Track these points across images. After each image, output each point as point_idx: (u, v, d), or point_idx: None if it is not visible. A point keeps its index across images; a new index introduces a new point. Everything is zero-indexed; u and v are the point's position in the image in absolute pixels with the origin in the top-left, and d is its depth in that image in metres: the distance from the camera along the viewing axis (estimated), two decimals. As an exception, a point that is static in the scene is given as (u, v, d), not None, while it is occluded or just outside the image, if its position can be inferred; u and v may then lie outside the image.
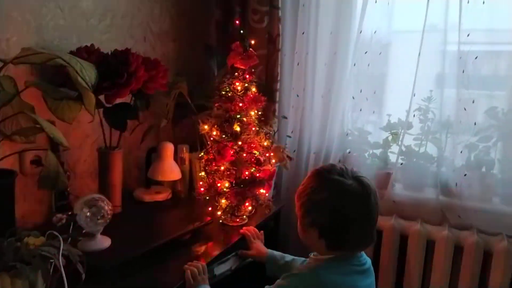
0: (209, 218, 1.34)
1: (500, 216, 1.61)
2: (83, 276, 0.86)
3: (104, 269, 1.00)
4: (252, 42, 1.31)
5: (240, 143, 1.28)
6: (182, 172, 1.59)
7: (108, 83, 1.10)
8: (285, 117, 1.75)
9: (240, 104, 1.28)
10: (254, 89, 1.32)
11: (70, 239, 1.05)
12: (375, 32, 1.69)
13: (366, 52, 1.71)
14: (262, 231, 1.35)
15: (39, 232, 0.89)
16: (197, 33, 1.93)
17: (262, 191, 1.32)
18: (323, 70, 1.80)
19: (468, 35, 1.53)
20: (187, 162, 1.62)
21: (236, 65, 1.29)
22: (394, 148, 1.83)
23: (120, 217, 1.35)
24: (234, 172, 1.28)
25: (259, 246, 1.29)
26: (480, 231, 1.62)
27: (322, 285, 0.94)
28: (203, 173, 1.36)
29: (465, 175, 1.63)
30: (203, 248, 1.23)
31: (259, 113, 1.33)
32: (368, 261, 1.03)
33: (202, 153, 1.35)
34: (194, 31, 1.92)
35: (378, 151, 1.87)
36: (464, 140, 1.65)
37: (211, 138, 1.31)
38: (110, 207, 1.10)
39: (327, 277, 0.95)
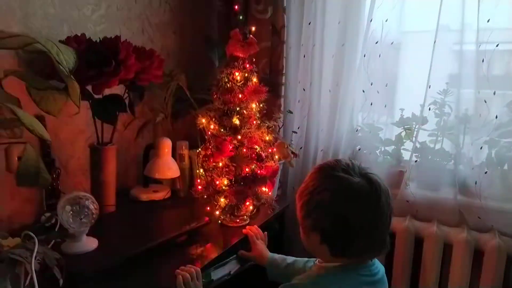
0: (207, 219, 1.25)
1: (524, 217, 1.48)
2: (61, 282, 0.77)
3: (86, 274, 0.91)
4: (253, 28, 1.21)
5: (239, 137, 1.18)
6: (182, 169, 1.50)
7: (95, 71, 1.02)
8: (291, 112, 1.65)
9: (240, 96, 1.19)
10: (255, 80, 1.22)
11: (53, 241, 0.98)
12: (386, 20, 1.58)
13: (377, 42, 1.60)
14: (266, 232, 1.25)
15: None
16: (198, 25, 1.85)
17: (264, 189, 1.23)
18: (331, 62, 1.70)
19: (488, 21, 1.41)
20: (186, 160, 1.54)
21: (235, 54, 1.20)
22: (408, 145, 1.72)
23: (113, 217, 1.27)
24: (233, 169, 1.18)
25: (261, 248, 1.19)
26: (501, 233, 1.49)
27: None
28: (201, 170, 1.27)
29: (485, 172, 1.50)
30: (199, 251, 1.13)
31: (261, 105, 1.23)
32: (381, 270, 0.91)
33: (199, 149, 1.26)
34: (195, 23, 1.84)
35: (390, 148, 1.76)
36: (484, 135, 1.53)
37: (209, 132, 1.22)
38: (95, 206, 1.01)
39: None
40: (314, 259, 1.12)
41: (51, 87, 0.98)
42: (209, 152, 1.21)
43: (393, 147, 1.75)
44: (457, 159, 1.58)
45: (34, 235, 0.78)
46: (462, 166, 1.59)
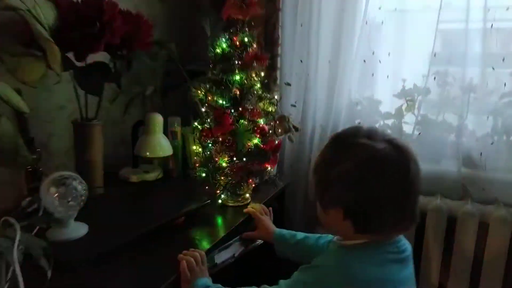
0: (206, 199, 1.15)
1: (530, 188, 1.45)
2: (49, 273, 0.67)
3: (77, 263, 0.81)
4: (252, -14, 1.10)
5: (240, 109, 1.08)
6: (174, 148, 1.39)
7: (77, 34, 0.89)
8: (289, 84, 1.55)
9: (239, 63, 1.08)
10: (255, 46, 1.11)
11: (37, 227, 0.87)
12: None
13: (380, 8, 1.51)
14: (270, 208, 1.17)
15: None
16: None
17: (267, 165, 1.13)
18: (329, 31, 1.59)
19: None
20: (179, 137, 1.43)
21: (233, 16, 1.08)
22: (408, 118, 1.65)
23: (102, 200, 1.16)
24: (234, 144, 1.08)
25: (267, 223, 1.11)
26: (506, 204, 1.45)
27: (351, 280, 0.74)
28: (197, 147, 1.16)
29: (491, 143, 1.45)
30: (200, 234, 1.05)
31: (262, 74, 1.13)
32: (408, 247, 0.83)
33: (195, 123, 1.15)
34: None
35: (390, 122, 1.69)
36: (491, 104, 1.47)
37: (206, 105, 1.11)
38: (83, 187, 0.90)
39: (358, 268, 0.75)
40: (328, 235, 1.05)
41: (28, 53, 0.85)
42: (207, 126, 1.11)
43: (393, 120, 1.68)
44: (461, 131, 1.53)
45: (15, 221, 0.67)
46: (465, 138, 1.53)
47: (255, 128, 1.09)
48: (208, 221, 1.11)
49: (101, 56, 1.09)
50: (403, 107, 1.66)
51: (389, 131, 1.67)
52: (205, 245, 0.99)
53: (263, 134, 1.09)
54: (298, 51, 1.63)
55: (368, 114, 1.65)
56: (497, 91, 1.47)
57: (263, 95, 1.13)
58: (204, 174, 1.14)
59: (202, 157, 1.14)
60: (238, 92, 1.08)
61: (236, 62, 1.09)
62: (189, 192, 1.24)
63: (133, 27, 1.08)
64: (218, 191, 1.14)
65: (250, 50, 1.10)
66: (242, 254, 1.08)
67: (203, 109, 1.12)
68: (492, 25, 1.36)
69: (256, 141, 1.09)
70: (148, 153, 1.32)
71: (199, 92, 1.12)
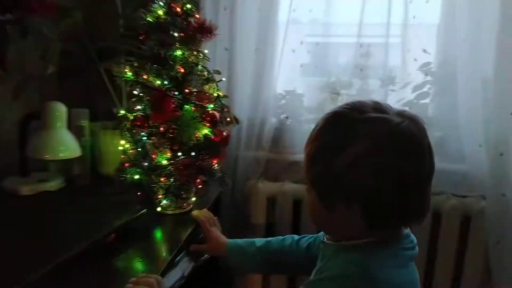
0: (141, 208, 0.89)
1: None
2: None
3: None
4: None
5: (187, 91, 0.87)
6: (81, 148, 1.09)
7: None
8: (218, 72, 1.36)
9: (181, 35, 0.87)
10: (198, 16, 0.91)
11: None
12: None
13: (307, -5, 1.44)
14: (217, 217, 0.97)
15: None
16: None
17: (215, 161, 0.94)
18: (255, 16, 1.47)
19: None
20: (87, 134, 1.12)
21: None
22: (331, 112, 1.63)
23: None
24: (177, 136, 0.86)
25: (216, 235, 0.92)
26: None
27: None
28: (126, 142, 0.90)
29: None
30: (138, 254, 0.79)
31: (206, 51, 0.94)
32: (415, 240, 0.70)
33: (122, 111, 0.89)
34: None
35: (313, 116, 1.64)
36: (406, 96, 1.53)
37: (139, 87, 0.86)
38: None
39: (385, 274, 0.61)
40: (292, 236, 0.91)
41: None
42: (140, 114, 0.86)
43: (316, 114, 1.64)
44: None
45: None
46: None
47: (204, 116, 0.88)
48: (147, 235, 0.86)
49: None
50: (327, 101, 1.63)
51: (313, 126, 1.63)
52: (150, 266, 0.75)
53: (213, 122, 0.90)
54: (223, 38, 1.46)
55: (294, 109, 1.58)
56: (411, 84, 1.53)
57: (209, 76, 0.93)
58: (137, 176, 0.89)
59: (133, 155, 0.88)
60: (183, 71, 0.86)
61: (176, 34, 0.87)
62: (112, 202, 0.96)
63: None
64: (160, 196, 0.90)
65: (193, 20, 0.89)
66: (194, 269, 0.86)
67: (135, 92, 0.86)
68: (414, 16, 1.40)
69: (206, 131, 0.88)
70: (47, 155, 0.99)
71: (127, 70, 0.87)
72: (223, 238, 0.92)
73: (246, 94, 1.51)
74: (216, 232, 0.93)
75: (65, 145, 1.02)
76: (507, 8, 1.27)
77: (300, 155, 1.57)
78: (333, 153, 0.62)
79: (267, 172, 1.55)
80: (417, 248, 0.69)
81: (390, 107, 0.66)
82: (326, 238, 0.73)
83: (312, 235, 0.89)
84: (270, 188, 1.49)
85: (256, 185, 1.49)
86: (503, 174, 1.32)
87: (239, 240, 0.92)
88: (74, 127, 1.10)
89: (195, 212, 0.92)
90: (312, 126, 1.60)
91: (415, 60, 1.45)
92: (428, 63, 1.48)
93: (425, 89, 1.53)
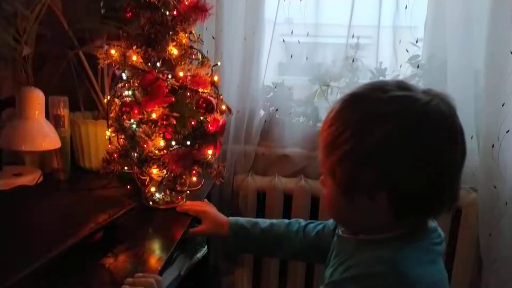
0: (129, 202, 0.82)
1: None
2: None
3: None
4: None
5: (181, 74, 0.80)
6: (61, 139, 0.99)
7: None
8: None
9: (174, 13, 0.80)
10: (191, -6, 0.85)
11: None
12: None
13: (298, -18, 1.40)
14: (205, 199, 0.91)
15: None
16: None
17: (211, 151, 0.87)
18: (244, 5, 1.41)
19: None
20: (66, 125, 1.03)
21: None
22: (320, 104, 1.59)
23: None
24: (172, 123, 0.79)
25: (215, 213, 0.88)
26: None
27: None
28: (111, 131, 0.82)
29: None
30: (129, 253, 0.72)
31: (200, 33, 0.87)
32: (442, 234, 0.65)
33: (108, 97, 0.82)
34: None
35: (303, 108, 1.60)
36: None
37: (129, 69, 0.79)
38: None
39: (415, 271, 0.55)
40: (298, 220, 0.87)
41: None
42: (129, 99, 0.79)
43: (304, 107, 1.60)
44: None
45: None
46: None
47: (200, 102, 0.82)
48: (138, 232, 0.78)
49: None
50: (317, 92, 1.59)
51: (303, 118, 1.59)
52: (141, 266, 0.68)
53: (209, 109, 0.83)
54: (209, 26, 1.40)
55: (283, 100, 1.53)
56: (401, 76, 1.52)
57: (204, 59, 0.86)
58: (126, 168, 0.81)
59: (121, 145, 0.81)
60: (176, 51, 0.79)
61: (167, 13, 0.80)
62: (96, 197, 0.88)
63: None
64: (152, 190, 0.82)
65: (185, -1, 0.83)
66: (192, 266, 0.80)
67: (123, 76, 0.79)
68: (406, 6, 1.39)
69: (201, 118, 0.82)
70: (24, 146, 0.90)
71: (113, 51, 0.79)
72: (223, 217, 0.87)
73: (234, 86, 1.46)
74: (212, 210, 0.87)
75: (44, 135, 0.92)
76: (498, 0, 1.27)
77: (289, 149, 1.53)
78: (358, 136, 0.56)
79: (256, 166, 1.50)
80: (444, 243, 0.65)
81: (415, 85, 0.61)
82: (341, 231, 0.68)
83: (320, 222, 0.85)
84: (260, 183, 1.44)
85: (246, 179, 1.44)
86: (494, 166, 1.32)
87: (241, 219, 0.88)
88: (52, 116, 1.00)
89: (178, 207, 0.86)
90: (301, 119, 1.57)
91: (407, 51, 1.43)
92: (417, 56, 1.48)
93: (413, 82, 1.53)
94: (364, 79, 1.52)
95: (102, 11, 1.03)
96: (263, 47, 1.43)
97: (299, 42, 1.45)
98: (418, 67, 1.46)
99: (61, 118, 1.01)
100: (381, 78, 1.50)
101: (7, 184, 0.90)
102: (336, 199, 0.61)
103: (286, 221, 0.88)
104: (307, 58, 1.47)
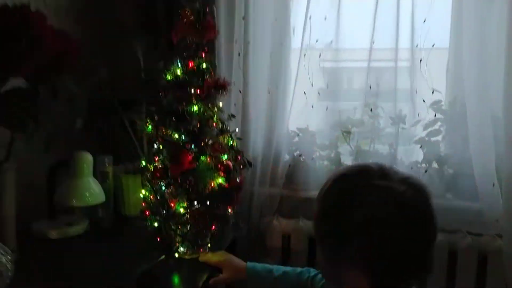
0: (159, 254, 0.95)
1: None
2: None
3: None
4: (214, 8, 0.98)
5: (202, 144, 0.93)
6: (105, 192, 1.15)
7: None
8: (233, 116, 1.44)
9: (198, 92, 0.94)
10: (212, 73, 0.99)
11: None
12: (325, 18, 1.51)
13: (317, 41, 1.52)
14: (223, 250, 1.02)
15: None
16: (107, 10, 1.48)
17: (230, 208, 0.99)
18: (268, 61, 1.55)
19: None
20: (110, 180, 1.19)
21: (187, 38, 0.95)
22: (343, 149, 1.67)
23: (22, 266, 0.87)
24: (193, 185, 0.92)
25: (234, 261, 0.98)
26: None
27: None
28: (146, 191, 0.97)
29: (425, 171, 1.53)
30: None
31: (220, 104, 1.01)
32: None
33: (143, 162, 0.96)
34: (103, 8, 1.47)
35: (326, 153, 1.68)
36: (417, 135, 1.56)
37: (159, 140, 0.93)
38: (9, 258, 0.64)
39: None
40: (309, 270, 0.96)
41: None
42: (160, 166, 0.93)
43: (328, 151, 1.68)
44: (392, 160, 1.58)
45: None
46: (397, 166, 1.59)
47: (219, 166, 0.94)
48: (166, 281, 0.90)
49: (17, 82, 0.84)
50: (339, 138, 1.67)
51: (326, 162, 1.67)
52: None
53: (227, 171, 0.95)
54: (236, 81, 1.54)
55: (306, 145, 1.63)
56: (422, 122, 1.56)
57: (223, 127, 0.99)
58: (156, 224, 0.95)
59: (153, 203, 0.94)
60: (199, 125, 0.93)
61: (193, 91, 0.94)
62: (133, 248, 1.02)
63: (62, 46, 0.87)
64: (177, 243, 0.95)
65: (208, 77, 0.97)
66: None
67: (155, 146, 0.93)
68: (421, 59, 1.45)
69: (220, 180, 0.94)
70: (74, 201, 1.06)
71: (148, 124, 0.94)
72: (241, 263, 0.97)
73: (260, 132, 1.57)
74: (230, 258, 0.98)
75: (91, 191, 1.09)
76: (513, 49, 1.31)
77: (314, 192, 1.62)
78: (343, 215, 0.67)
79: (282, 209, 1.58)
80: None
81: (395, 172, 0.70)
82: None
83: None
84: (285, 225, 1.52)
85: (271, 222, 1.53)
86: (518, 212, 1.32)
87: (257, 265, 0.97)
88: (99, 172, 1.17)
89: (201, 258, 0.97)
90: (325, 163, 1.64)
91: (424, 101, 1.49)
92: (438, 101, 1.52)
93: (436, 127, 1.57)
94: (385, 125, 1.58)
95: (143, 81, 1.19)
96: (286, 97, 1.54)
97: (319, 93, 1.55)
98: (438, 112, 1.50)
99: (106, 174, 1.17)
100: (401, 124, 1.55)
101: (59, 233, 1.06)
102: (329, 266, 0.73)
103: (298, 270, 0.97)
104: (327, 108, 1.57)
